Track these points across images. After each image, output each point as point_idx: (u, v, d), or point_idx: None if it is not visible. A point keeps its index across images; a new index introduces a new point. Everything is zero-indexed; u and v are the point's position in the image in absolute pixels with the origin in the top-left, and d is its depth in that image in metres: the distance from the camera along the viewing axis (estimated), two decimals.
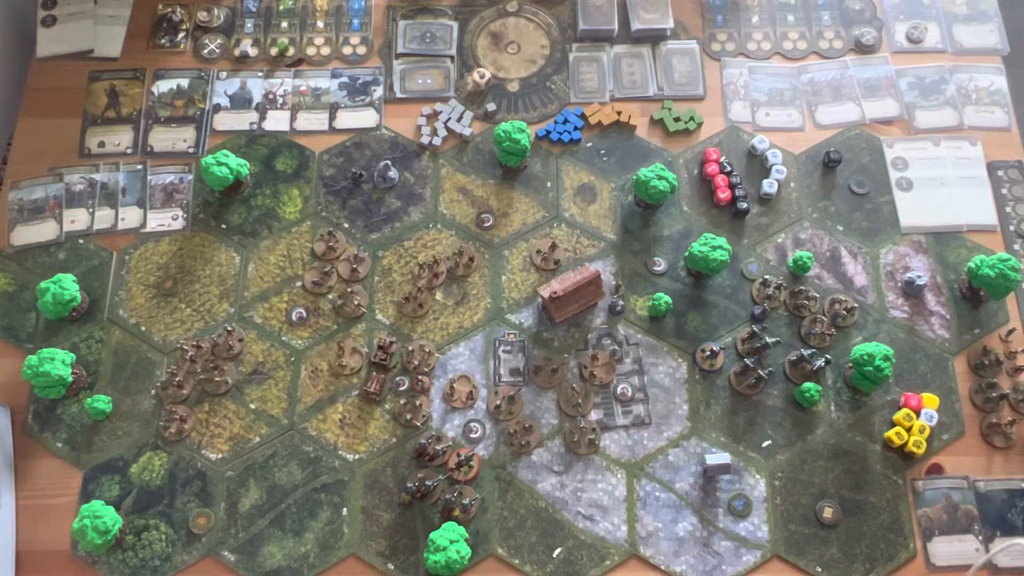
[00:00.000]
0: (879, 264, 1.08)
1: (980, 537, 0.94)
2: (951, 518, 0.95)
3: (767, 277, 1.05)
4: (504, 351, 1.03)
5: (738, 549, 0.94)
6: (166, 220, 1.10)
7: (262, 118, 1.16)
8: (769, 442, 0.99)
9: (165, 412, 0.99)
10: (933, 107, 1.17)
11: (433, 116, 1.16)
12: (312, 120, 1.16)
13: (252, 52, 1.20)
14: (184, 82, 1.18)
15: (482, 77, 1.16)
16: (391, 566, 0.93)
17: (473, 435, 0.99)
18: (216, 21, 1.22)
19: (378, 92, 1.17)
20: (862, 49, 1.21)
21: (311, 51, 1.20)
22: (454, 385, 1.00)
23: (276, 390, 1.01)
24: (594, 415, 1.00)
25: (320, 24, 1.22)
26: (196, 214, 1.10)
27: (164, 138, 1.15)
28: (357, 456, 0.98)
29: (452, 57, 1.20)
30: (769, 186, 1.10)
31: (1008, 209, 1.11)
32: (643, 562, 0.94)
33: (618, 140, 1.15)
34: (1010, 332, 1.04)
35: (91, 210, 1.10)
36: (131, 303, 1.05)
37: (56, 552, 0.94)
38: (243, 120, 1.16)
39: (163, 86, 1.17)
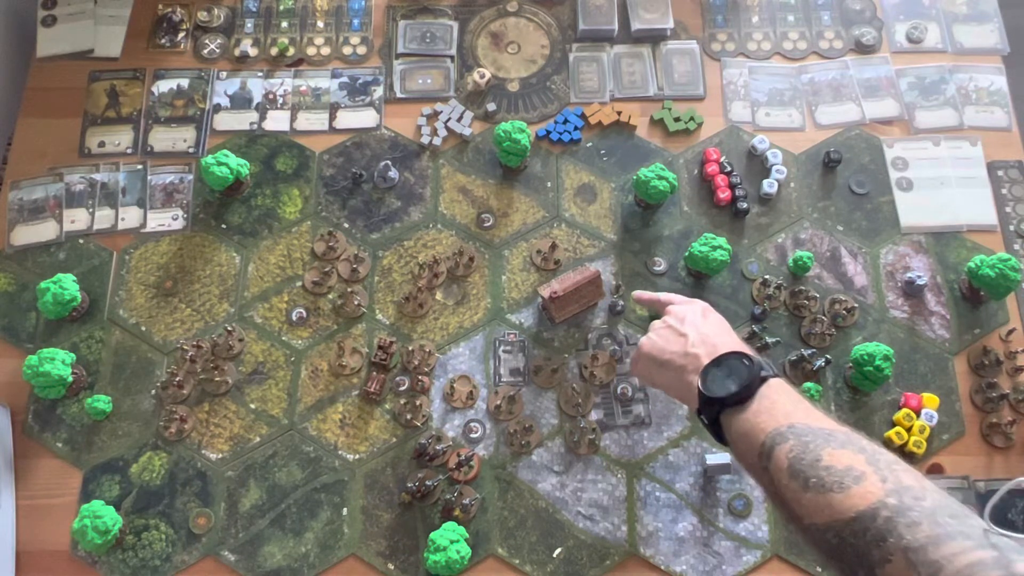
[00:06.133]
0: (879, 264, 1.08)
1: None
2: None
3: (767, 277, 1.05)
4: (504, 351, 1.03)
5: (738, 549, 0.94)
6: (166, 220, 1.10)
7: (262, 118, 1.16)
8: None
9: (165, 412, 0.99)
10: (933, 107, 1.17)
11: (433, 116, 1.16)
12: (312, 120, 1.15)
13: (252, 52, 1.20)
14: (184, 82, 1.18)
15: (482, 77, 1.16)
16: (391, 566, 0.93)
17: (473, 435, 0.99)
18: (216, 21, 1.22)
19: (378, 92, 1.17)
20: (862, 49, 1.21)
21: (311, 51, 1.20)
22: (454, 385, 1.00)
23: (276, 390, 1.01)
24: (594, 415, 1.00)
25: (320, 24, 1.22)
26: (196, 214, 1.10)
27: (164, 138, 1.15)
28: (357, 456, 0.98)
29: (452, 57, 1.20)
30: (769, 186, 1.10)
31: (1008, 209, 1.11)
32: (643, 562, 0.94)
33: (618, 140, 1.15)
34: (1010, 332, 1.04)
35: (91, 210, 1.10)
36: (131, 303, 1.05)
37: (56, 552, 0.94)
38: (243, 120, 1.15)
39: (163, 86, 1.17)
